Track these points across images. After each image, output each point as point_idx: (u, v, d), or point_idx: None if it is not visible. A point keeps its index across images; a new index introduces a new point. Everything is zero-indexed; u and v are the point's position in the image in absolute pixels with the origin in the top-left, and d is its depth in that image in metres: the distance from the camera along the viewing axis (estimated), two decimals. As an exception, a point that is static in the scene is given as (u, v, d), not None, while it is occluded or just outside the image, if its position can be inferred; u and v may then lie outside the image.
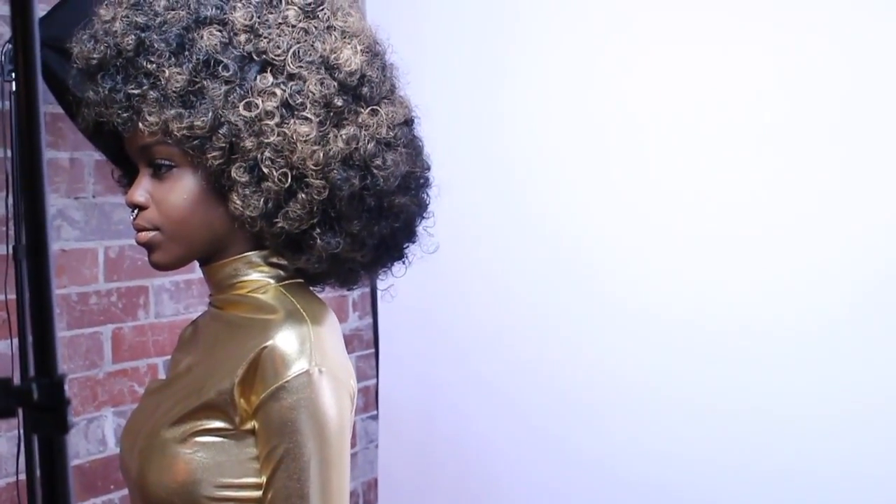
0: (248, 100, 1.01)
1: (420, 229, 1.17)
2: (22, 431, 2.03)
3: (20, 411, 0.64)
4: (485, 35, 2.62)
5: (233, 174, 1.02)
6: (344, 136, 1.03)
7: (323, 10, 1.08)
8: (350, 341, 3.03)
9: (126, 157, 1.12)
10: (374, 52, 1.10)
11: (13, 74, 1.92)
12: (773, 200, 2.16)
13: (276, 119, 1.01)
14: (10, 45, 1.93)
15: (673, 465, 2.31)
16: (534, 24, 2.53)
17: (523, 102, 2.56)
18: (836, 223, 2.10)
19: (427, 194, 1.16)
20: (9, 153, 2.00)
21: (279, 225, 1.04)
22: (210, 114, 1.01)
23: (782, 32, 2.13)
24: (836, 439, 2.10)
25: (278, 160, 1.02)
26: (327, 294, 1.22)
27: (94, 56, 1.04)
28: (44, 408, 0.63)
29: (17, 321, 1.99)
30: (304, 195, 1.03)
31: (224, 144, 1.02)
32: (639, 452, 2.37)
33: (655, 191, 2.33)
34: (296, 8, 1.06)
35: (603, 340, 2.45)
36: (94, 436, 2.29)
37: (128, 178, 1.18)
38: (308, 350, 1.00)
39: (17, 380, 0.63)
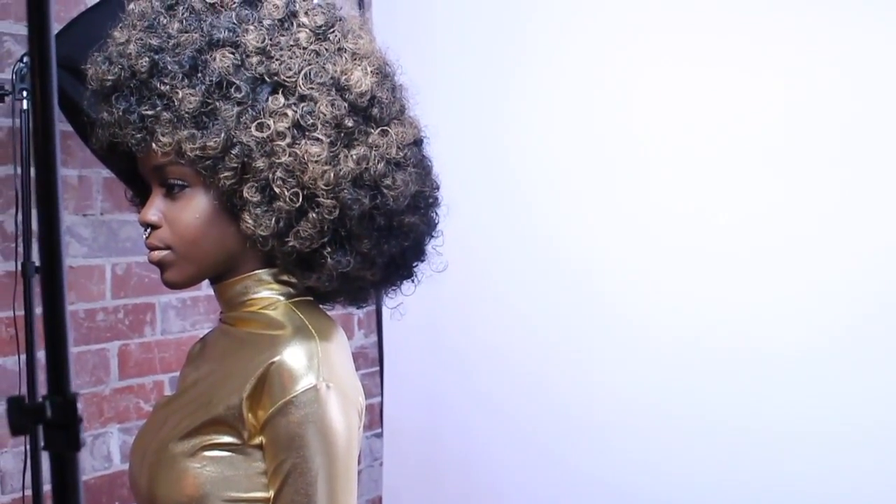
0: (259, 121, 1.02)
1: (429, 248, 1.18)
2: (28, 447, 2.03)
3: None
4: (492, 56, 2.64)
5: (245, 194, 1.03)
6: (354, 157, 1.04)
7: (334, 32, 1.09)
8: (355, 359, 3.00)
9: (139, 177, 1.13)
10: (384, 74, 1.11)
11: (24, 93, 1.93)
12: (776, 216, 2.17)
13: (288, 140, 1.02)
14: (22, 64, 1.95)
15: (679, 483, 2.31)
16: (542, 46, 2.54)
17: (531, 123, 2.57)
18: (838, 240, 2.10)
19: (436, 213, 1.18)
20: (18, 171, 2.02)
21: (290, 244, 1.05)
22: (222, 134, 1.02)
23: (788, 49, 2.14)
24: (837, 456, 2.09)
25: (290, 180, 1.03)
26: (333, 312, 1.23)
27: (109, 77, 1.05)
28: (57, 425, 0.64)
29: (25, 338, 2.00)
30: (314, 214, 1.04)
31: (236, 165, 1.03)
32: (645, 470, 2.37)
33: (661, 212, 2.34)
34: (307, 30, 1.07)
35: (608, 358, 2.44)
36: (100, 452, 2.30)
37: (140, 198, 1.20)
38: (316, 365, 1.01)
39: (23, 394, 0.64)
